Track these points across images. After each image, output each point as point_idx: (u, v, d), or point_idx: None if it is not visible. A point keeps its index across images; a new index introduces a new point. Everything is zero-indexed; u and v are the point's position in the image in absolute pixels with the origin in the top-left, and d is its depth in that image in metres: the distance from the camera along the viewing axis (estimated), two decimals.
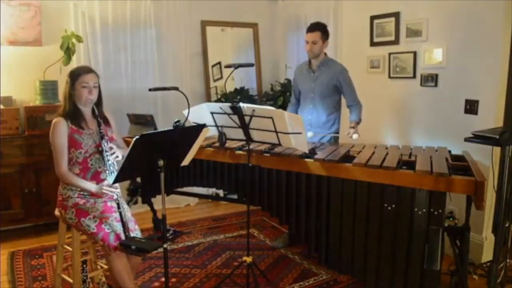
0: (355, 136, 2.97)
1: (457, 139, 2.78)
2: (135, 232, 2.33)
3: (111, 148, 2.34)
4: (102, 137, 2.33)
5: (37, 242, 3.52)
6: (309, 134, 3.08)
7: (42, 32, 3.77)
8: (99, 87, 2.41)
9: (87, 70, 2.40)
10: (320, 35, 3.14)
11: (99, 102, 2.43)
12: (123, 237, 2.22)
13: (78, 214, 2.30)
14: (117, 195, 2.29)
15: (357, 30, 3.94)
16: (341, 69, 3.23)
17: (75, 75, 2.35)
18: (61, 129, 2.30)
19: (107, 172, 2.30)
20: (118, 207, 2.27)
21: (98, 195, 2.33)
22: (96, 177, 2.38)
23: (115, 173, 2.29)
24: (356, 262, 2.45)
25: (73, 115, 2.35)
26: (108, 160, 2.30)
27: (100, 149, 2.34)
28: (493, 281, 2.15)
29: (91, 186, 2.31)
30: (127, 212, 2.40)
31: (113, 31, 4.04)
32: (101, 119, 2.39)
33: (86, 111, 2.41)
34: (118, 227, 2.25)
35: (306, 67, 3.33)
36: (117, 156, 2.36)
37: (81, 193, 2.36)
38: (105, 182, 2.30)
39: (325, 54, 3.28)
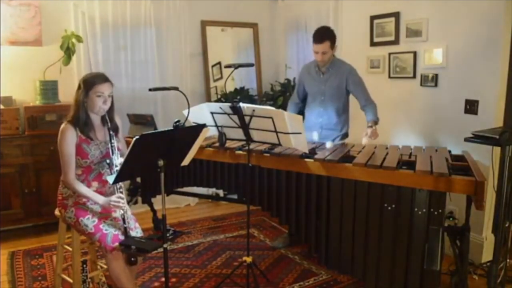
0: (364, 140, 2.88)
1: (457, 139, 2.79)
2: (136, 230, 2.34)
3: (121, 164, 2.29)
4: (113, 152, 2.28)
5: (37, 242, 3.52)
6: (314, 136, 3.05)
7: (42, 32, 3.77)
8: (112, 96, 2.36)
9: (103, 79, 2.31)
10: (329, 45, 3.05)
11: (111, 109, 2.37)
12: (121, 238, 2.22)
13: (77, 213, 2.30)
14: (123, 210, 2.25)
15: (357, 30, 3.94)
16: (349, 69, 3.17)
17: (89, 84, 2.27)
18: (69, 137, 2.25)
19: (115, 188, 2.28)
20: (124, 222, 2.24)
21: (107, 210, 2.31)
22: (99, 178, 2.37)
23: (123, 188, 2.31)
24: (356, 262, 2.46)
25: (84, 124, 2.28)
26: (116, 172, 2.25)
27: (108, 160, 2.30)
28: (493, 281, 2.15)
29: (98, 198, 2.28)
30: (128, 211, 2.40)
31: (113, 31, 4.05)
32: (113, 131, 2.34)
33: (96, 118, 2.36)
34: (117, 227, 2.26)
35: (314, 68, 3.25)
36: None
37: None
38: (113, 197, 2.23)
39: (333, 55, 3.21)
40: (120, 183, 2.28)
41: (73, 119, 2.28)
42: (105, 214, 2.29)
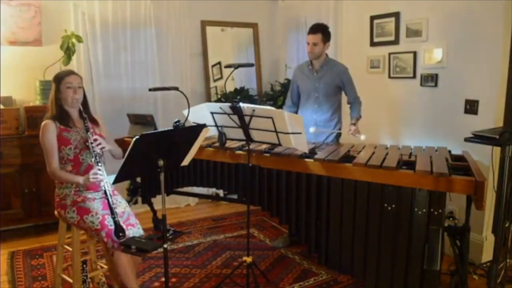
0: (362, 137, 2.98)
1: (457, 139, 2.78)
2: (137, 226, 2.37)
3: (96, 140, 2.36)
4: (87, 130, 2.37)
5: (37, 242, 3.52)
6: (311, 129, 3.06)
7: (42, 32, 3.77)
8: (83, 89, 2.48)
9: (70, 72, 2.49)
10: (321, 37, 3.16)
11: (85, 104, 2.49)
12: (127, 232, 2.24)
13: (79, 212, 2.32)
14: (104, 181, 2.29)
15: (357, 30, 3.94)
16: (343, 69, 3.27)
17: (59, 78, 2.43)
18: (49, 129, 2.37)
19: (92, 160, 2.34)
20: (106, 194, 2.27)
21: (93, 187, 2.37)
22: (89, 171, 2.38)
23: (102, 163, 2.34)
24: (356, 262, 2.45)
25: (61, 116, 2.41)
26: (94, 151, 2.33)
27: (87, 144, 2.38)
28: (493, 281, 2.15)
29: (78, 178, 2.34)
30: (127, 207, 2.45)
31: (113, 31, 4.04)
32: (87, 115, 2.43)
33: (73, 112, 2.47)
34: (121, 221, 2.28)
35: (308, 67, 3.33)
36: (103, 147, 2.39)
37: (77, 189, 2.39)
38: (91, 172, 2.28)
39: (326, 55, 3.30)
40: (98, 158, 2.33)
41: (51, 115, 2.42)
42: (106, 211, 2.31)
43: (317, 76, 3.27)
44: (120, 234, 2.19)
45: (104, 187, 2.29)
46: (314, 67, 3.29)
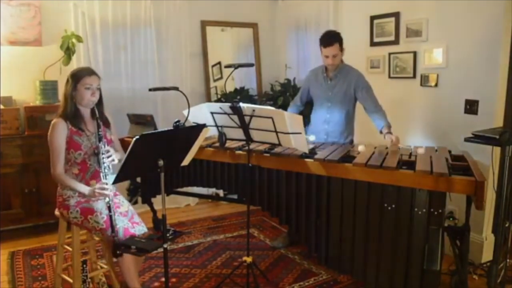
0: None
1: (457, 139, 2.79)
2: (141, 224, 2.37)
3: (107, 151, 2.31)
4: (100, 139, 2.30)
5: (37, 242, 3.52)
6: (311, 138, 3.03)
7: (42, 32, 3.77)
8: (100, 89, 2.41)
9: (90, 72, 2.38)
10: (338, 47, 3.05)
11: (99, 103, 2.42)
12: (131, 231, 2.26)
13: (83, 212, 2.31)
14: (109, 198, 2.23)
15: (357, 30, 3.93)
16: (357, 75, 3.13)
17: (77, 77, 2.33)
18: (60, 130, 2.30)
19: (101, 174, 2.28)
20: (109, 211, 2.22)
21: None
22: (96, 176, 2.38)
23: (111, 175, 2.27)
24: (356, 262, 2.46)
25: (73, 116, 2.35)
26: (103, 163, 2.28)
27: (96, 151, 2.33)
28: (493, 281, 2.16)
29: (84, 188, 2.31)
30: (129, 206, 2.44)
31: (113, 31, 4.04)
32: (101, 120, 2.38)
33: (86, 111, 2.41)
34: (125, 221, 2.29)
35: (322, 74, 3.21)
36: (113, 160, 2.33)
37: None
38: (97, 185, 2.25)
39: (341, 60, 3.19)
40: (106, 171, 2.28)
41: (63, 113, 2.34)
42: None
43: (331, 85, 3.16)
44: (118, 252, 2.16)
45: (109, 203, 2.23)
46: (329, 74, 3.18)
